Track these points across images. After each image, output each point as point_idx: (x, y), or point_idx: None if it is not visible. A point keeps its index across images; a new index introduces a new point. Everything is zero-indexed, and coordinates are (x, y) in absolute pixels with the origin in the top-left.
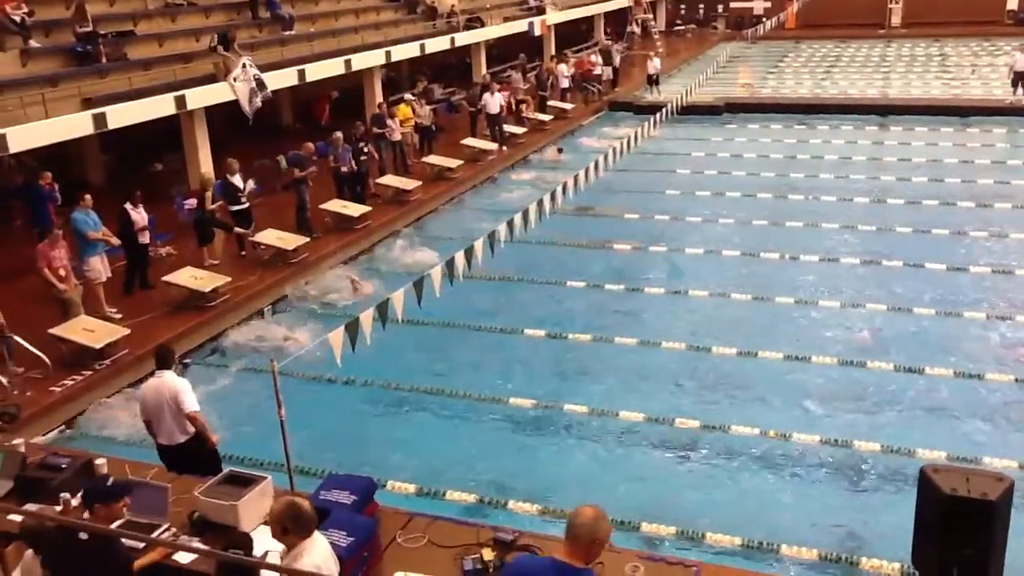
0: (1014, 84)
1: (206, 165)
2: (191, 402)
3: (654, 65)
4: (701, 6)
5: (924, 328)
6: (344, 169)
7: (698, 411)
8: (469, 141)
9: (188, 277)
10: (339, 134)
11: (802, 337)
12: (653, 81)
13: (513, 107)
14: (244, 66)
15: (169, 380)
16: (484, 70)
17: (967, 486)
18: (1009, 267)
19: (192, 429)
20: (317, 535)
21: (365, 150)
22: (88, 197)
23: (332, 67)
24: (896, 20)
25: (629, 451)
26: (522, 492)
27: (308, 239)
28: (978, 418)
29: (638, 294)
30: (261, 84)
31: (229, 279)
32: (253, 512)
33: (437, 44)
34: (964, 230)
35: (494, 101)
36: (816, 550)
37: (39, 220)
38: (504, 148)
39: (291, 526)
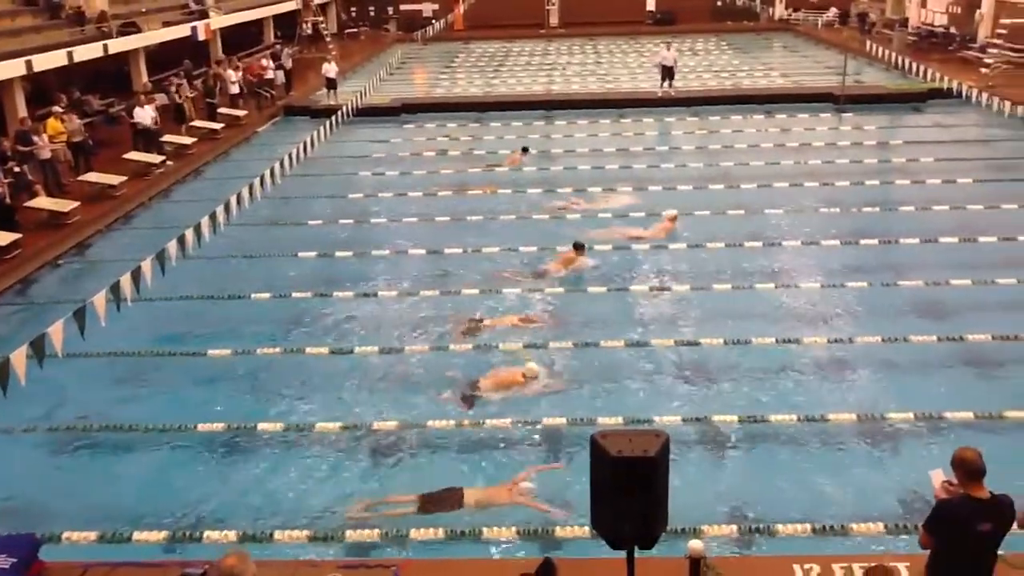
0: (663, 78)
1: None
2: None
3: (332, 68)
4: (372, 8)
5: (594, 305)
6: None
7: (394, 411)
8: (133, 155)
9: None
10: None
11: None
12: (331, 85)
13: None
14: None
15: None
16: (144, 78)
17: (631, 446)
18: (663, 243)
19: None
20: None
21: (16, 170)
22: None
23: None
24: (554, 21)
25: (329, 464)
26: (218, 521)
27: None
28: (647, 382)
29: (327, 300)
30: None
31: None
32: None
33: (88, 52)
34: (626, 213)
35: (145, 114)
36: (515, 527)
37: None
38: (168, 161)
39: None
